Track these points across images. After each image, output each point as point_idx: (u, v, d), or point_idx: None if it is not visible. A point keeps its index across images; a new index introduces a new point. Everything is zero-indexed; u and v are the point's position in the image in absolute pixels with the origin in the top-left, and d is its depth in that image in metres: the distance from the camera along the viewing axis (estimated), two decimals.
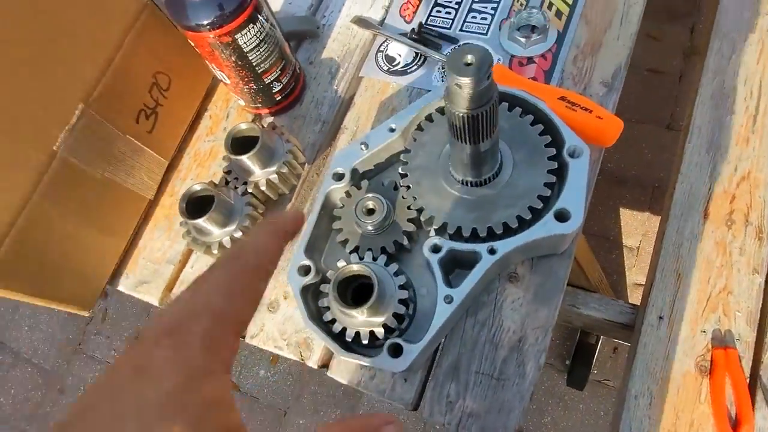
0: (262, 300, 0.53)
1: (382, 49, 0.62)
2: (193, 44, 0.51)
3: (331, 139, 0.60)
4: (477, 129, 0.37)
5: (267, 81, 0.56)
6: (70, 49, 0.47)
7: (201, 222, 0.48)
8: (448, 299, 0.42)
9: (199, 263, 0.57)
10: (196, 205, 0.49)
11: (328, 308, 0.44)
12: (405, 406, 0.46)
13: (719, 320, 0.72)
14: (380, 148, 0.50)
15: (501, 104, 0.48)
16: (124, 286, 0.58)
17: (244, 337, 0.53)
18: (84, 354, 1.48)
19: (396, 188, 0.49)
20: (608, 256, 1.21)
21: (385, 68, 0.61)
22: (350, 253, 0.47)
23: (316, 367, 0.49)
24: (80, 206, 0.51)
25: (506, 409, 0.44)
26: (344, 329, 0.43)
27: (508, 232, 0.43)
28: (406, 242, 0.46)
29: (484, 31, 0.60)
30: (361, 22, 0.65)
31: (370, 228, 0.46)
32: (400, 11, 0.64)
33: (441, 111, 0.50)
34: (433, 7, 0.63)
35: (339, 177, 0.49)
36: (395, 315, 0.42)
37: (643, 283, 0.79)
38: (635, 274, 1.19)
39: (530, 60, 0.56)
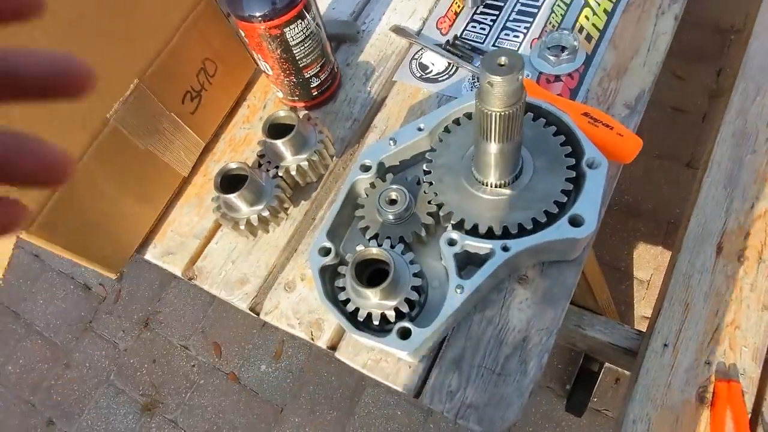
0: (279, 279, 0.55)
1: (416, 57, 0.66)
2: (243, 34, 0.55)
3: (360, 136, 0.63)
4: (504, 128, 0.39)
5: (307, 75, 0.59)
6: (133, 28, 0.51)
7: (232, 197, 0.51)
8: (460, 289, 0.44)
9: (224, 240, 0.59)
10: (229, 182, 0.53)
11: (343, 288, 0.47)
12: (407, 392, 0.47)
13: (725, 353, 0.72)
14: (407, 145, 0.52)
15: (526, 114, 0.51)
16: (151, 254, 0.61)
17: (258, 313, 0.55)
18: (94, 332, 1.52)
19: (419, 183, 0.51)
20: (618, 287, 1.22)
21: (418, 75, 0.64)
22: (369, 240, 0.49)
23: (325, 347, 0.51)
24: (122, 172, 0.55)
25: (505, 403, 0.45)
26: (357, 309, 0.45)
27: (523, 233, 0.45)
28: (423, 234, 0.48)
29: (516, 48, 0.63)
30: (399, 30, 0.68)
31: (390, 217, 0.48)
32: (437, 23, 0.68)
33: (468, 116, 0.52)
34: (469, 23, 0.66)
35: (366, 168, 0.52)
36: (407, 300, 0.44)
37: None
38: (644, 306, 1.19)
39: (557, 78, 0.59)
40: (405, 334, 0.43)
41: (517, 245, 0.44)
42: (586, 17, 0.62)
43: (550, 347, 0.47)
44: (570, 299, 0.49)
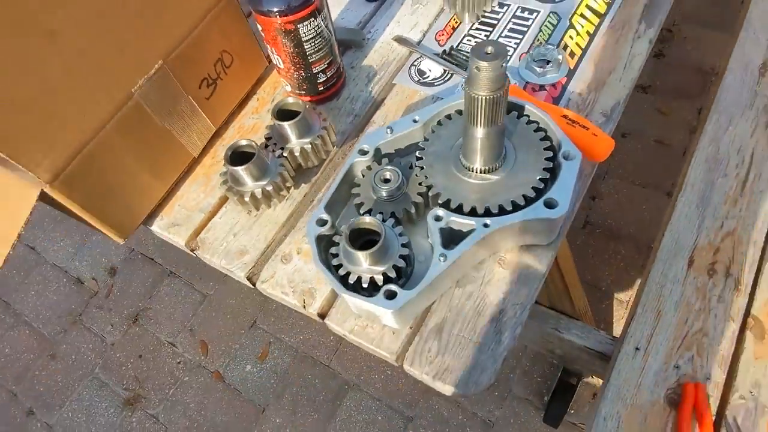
0: (277, 252, 0.60)
1: (415, 63, 0.72)
2: (260, 27, 0.61)
3: (360, 130, 0.68)
4: (489, 112, 0.45)
5: (315, 71, 0.65)
6: (164, 13, 0.57)
7: (240, 170, 0.56)
8: (443, 257, 0.48)
9: (227, 215, 0.64)
10: (238, 157, 0.57)
11: (336, 255, 0.51)
12: (390, 356, 0.51)
13: (692, 359, 0.77)
14: (403, 134, 0.58)
15: (511, 113, 0.56)
16: (157, 226, 0.65)
17: (255, 283, 0.59)
18: (83, 325, 1.53)
19: (411, 168, 0.56)
20: (599, 306, 1.26)
21: (416, 79, 0.70)
22: (363, 214, 0.54)
23: (315, 314, 0.55)
24: (140, 145, 0.59)
25: (479, 368, 0.49)
26: (348, 273, 0.49)
27: (503, 213, 0.50)
28: (413, 211, 0.53)
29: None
30: (401, 40, 0.75)
31: (384, 194, 0.53)
32: (435, 36, 0.74)
33: (459, 112, 0.58)
34: (464, 36, 0.73)
35: (363, 152, 0.57)
36: (395, 267, 0.49)
37: None
38: (623, 325, 1.23)
39: (542, 87, 0.65)
40: (391, 295, 0.47)
41: (496, 223, 0.49)
42: (571, 37, 0.69)
43: (523, 320, 0.51)
44: (543, 280, 0.53)
